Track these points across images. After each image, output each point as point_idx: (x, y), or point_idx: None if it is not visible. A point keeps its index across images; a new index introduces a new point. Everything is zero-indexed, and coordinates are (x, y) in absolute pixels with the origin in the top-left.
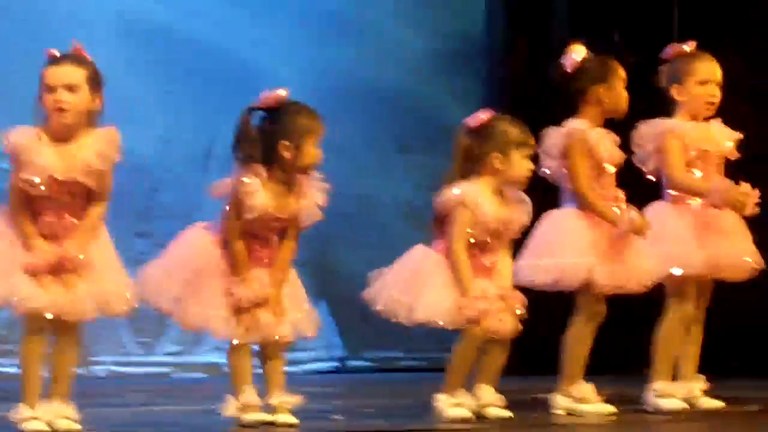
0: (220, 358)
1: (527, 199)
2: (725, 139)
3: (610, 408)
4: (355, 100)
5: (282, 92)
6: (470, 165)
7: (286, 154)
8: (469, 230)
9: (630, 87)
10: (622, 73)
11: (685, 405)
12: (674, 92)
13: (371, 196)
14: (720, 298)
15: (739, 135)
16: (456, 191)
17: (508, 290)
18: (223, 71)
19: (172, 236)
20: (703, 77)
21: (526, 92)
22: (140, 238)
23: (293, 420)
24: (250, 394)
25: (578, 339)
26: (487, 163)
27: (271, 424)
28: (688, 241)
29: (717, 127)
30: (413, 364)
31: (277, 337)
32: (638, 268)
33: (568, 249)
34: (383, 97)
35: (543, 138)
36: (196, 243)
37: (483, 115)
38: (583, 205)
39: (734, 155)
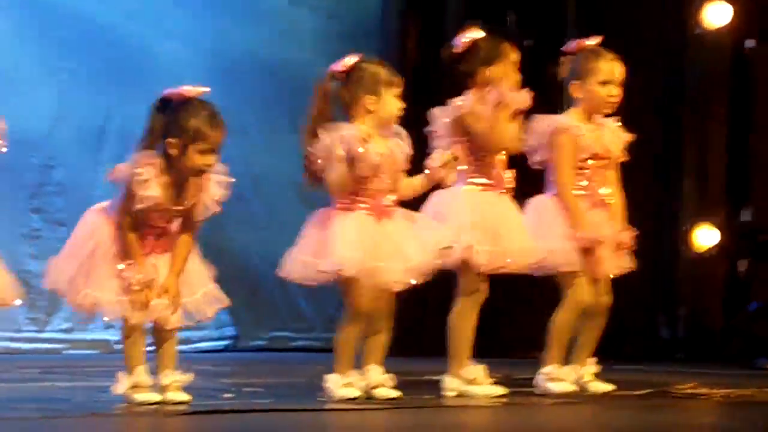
0: (111, 336)
1: (402, 130)
2: (616, 144)
3: (500, 390)
4: (250, 80)
5: (190, 89)
6: (332, 110)
7: (172, 152)
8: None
9: (524, 70)
10: (514, 56)
11: (574, 388)
12: (573, 88)
13: (263, 175)
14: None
15: (629, 137)
16: (329, 141)
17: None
18: (118, 50)
19: (66, 213)
20: (605, 77)
21: (420, 74)
22: (35, 213)
23: (184, 397)
24: (141, 374)
25: (462, 319)
26: (360, 107)
27: (161, 403)
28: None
29: (610, 129)
30: (304, 344)
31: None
32: (518, 248)
33: (447, 228)
34: (278, 77)
35: (431, 118)
36: (92, 225)
37: (349, 60)
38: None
39: (622, 159)
